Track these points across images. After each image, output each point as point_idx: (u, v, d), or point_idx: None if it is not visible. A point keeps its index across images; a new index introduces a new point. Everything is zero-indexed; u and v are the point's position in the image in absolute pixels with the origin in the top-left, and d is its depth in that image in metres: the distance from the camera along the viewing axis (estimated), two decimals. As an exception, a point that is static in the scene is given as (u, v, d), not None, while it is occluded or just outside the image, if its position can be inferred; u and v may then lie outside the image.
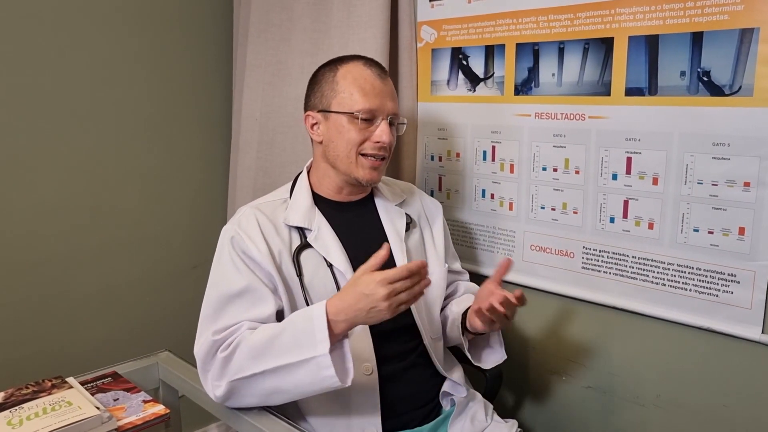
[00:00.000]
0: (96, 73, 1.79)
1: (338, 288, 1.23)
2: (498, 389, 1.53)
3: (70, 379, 1.21)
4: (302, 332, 1.09)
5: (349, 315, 1.08)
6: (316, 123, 1.30)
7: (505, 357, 1.34)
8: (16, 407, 1.09)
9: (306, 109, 1.33)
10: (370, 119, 1.25)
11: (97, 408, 1.08)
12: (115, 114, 1.85)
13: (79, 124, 1.78)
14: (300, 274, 1.23)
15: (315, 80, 1.32)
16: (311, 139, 1.34)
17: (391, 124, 1.28)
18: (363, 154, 1.26)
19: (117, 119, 1.85)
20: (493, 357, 1.35)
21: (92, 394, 1.17)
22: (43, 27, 1.68)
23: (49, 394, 1.14)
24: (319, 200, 1.32)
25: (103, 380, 1.26)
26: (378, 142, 1.25)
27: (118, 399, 1.18)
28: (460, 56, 1.63)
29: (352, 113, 1.24)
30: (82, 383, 1.22)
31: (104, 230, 1.87)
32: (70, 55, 1.74)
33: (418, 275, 1.08)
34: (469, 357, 1.34)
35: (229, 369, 1.13)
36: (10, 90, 1.65)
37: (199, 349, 1.17)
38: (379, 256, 1.10)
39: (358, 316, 1.08)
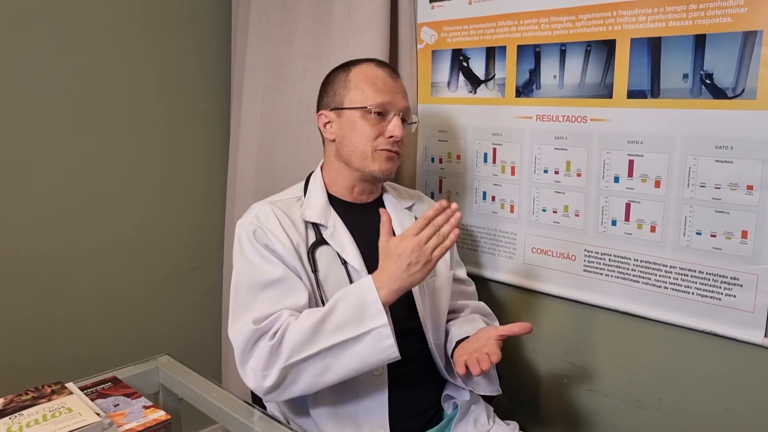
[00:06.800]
0: (94, 75, 1.78)
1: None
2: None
3: (70, 385, 1.20)
4: (355, 307, 1.12)
5: (393, 281, 1.12)
6: (329, 122, 1.32)
7: (500, 392, 1.29)
8: (16, 414, 1.07)
9: (318, 109, 1.35)
10: (382, 113, 1.27)
11: (98, 414, 1.07)
12: (112, 116, 1.84)
13: (77, 125, 1.77)
14: (315, 270, 1.24)
15: (328, 81, 1.35)
16: (323, 138, 1.36)
17: (403, 120, 1.29)
18: (377, 150, 1.27)
19: (114, 121, 1.84)
20: (485, 388, 1.31)
21: (92, 400, 1.16)
22: (41, 28, 1.67)
23: (49, 400, 1.12)
24: (331, 200, 1.33)
25: (103, 385, 1.25)
26: (391, 136, 1.27)
27: (118, 404, 1.17)
28: (461, 58, 1.62)
29: (365, 107, 1.26)
30: (82, 388, 1.21)
31: (102, 233, 1.86)
32: (68, 57, 1.73)
33: (444, 216, 1.12)
34: (462, 384, 1.31)
35: (280, 355, 1.13)
36: (8, 90, 1.64)
37: (238, 335, 1.16)
38: (385, 223, 1.17)
39: (401, 278, 1.11)
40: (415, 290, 1.29)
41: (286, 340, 1.13)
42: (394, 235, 1.18)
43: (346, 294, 1.15)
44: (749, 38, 1.19)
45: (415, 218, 1.39)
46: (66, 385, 1.19)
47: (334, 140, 1.31)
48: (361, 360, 1.12)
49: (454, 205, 1.13)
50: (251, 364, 1.16)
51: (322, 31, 1.76)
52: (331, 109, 1.31)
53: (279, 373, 1.13)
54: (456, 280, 1.45)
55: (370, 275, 1.15)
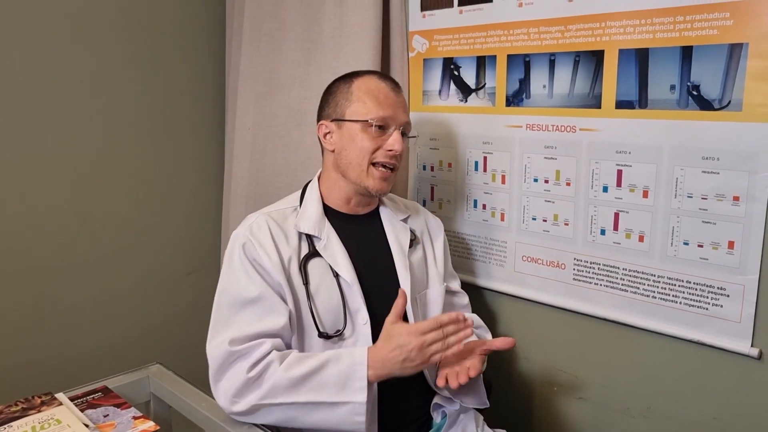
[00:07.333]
0: (88, 82, 1.79)
1: (343, 298, 1.25)
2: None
3: (60, 395, 1.21)
4: (342, 375, 1.14)
5: (384, 366, 1.14)
6: (329, 132, 1.32)
7: (487, 405, 1.32)
8: (5, 425, 1.09)
9: (319, 119, 1.35)
10: (383, 127, 1.28)
11: (87, 425, 1.08)
12: (107, 122, 1.84)
13: (72, 131, 1.78)
14: (306, 282, 1.24)
15: (330, 91, 1.35)
16: (322, 148, 1.36)
17: (403, 134, 1.30)
18: (374, 164, 1.28)
19: (110, 127, 1.85)
20: (472, 401, 1.33)
21: (82, 410, 1.17)
22: (36, 36, 1.68)
23: (39, 411, 1.13)
24: (327, 211, 1.33)
25: (93, 395, 1.25)
26: (390, 150, 1.27)
27: (108, 415, 1.18)
28: (452, 66, 1.63)
29: (366, 120, 1.26)
30: (72, 398, 1.22)
31: (96, 238, 1.86)
32: (62, 64, 1.73)
33: (455, 327, 1.14)
34: (450, 394, 1.32)
35: (256, 392, 1.15)
36: (2, 97, 1.65)
37: (214, 352, 1.18)
38: (398, 305, 1.17)
39: (392, 367, 1.14)
40: (408, 302, 1.29)
41: (266, 379, 1.14)
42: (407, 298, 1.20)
43: (338, 358, 1.16)
44: (735, 50, 1.19)
45: (411, 231, 1.39)
46: (56, 395, 1.20)
47: (333, 151, 1.32)
48: (328, 425, 1.15)
49: (468, 321, 1.15)
50: (224, 385, 1.17)
51: (311, 38, 1.76)
52: (332, 120, 1.31)
53: (250, 406, 1.15)
54: (449, 292, 1.45)
55: (366, 348, 1.16)
